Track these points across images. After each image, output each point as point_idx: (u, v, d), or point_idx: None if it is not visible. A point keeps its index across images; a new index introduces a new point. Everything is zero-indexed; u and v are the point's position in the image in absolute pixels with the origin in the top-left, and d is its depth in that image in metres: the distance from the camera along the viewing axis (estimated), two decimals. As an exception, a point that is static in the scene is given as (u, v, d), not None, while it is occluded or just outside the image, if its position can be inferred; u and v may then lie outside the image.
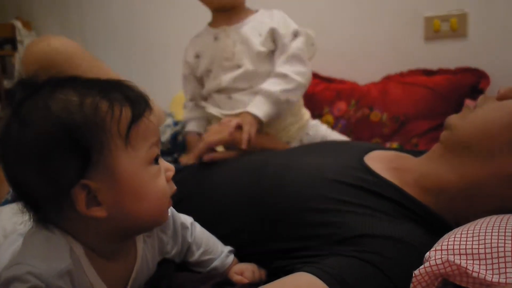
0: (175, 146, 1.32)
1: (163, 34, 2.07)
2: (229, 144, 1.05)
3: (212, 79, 1.20)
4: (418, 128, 1.52)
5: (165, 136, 1.32)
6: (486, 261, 0.56)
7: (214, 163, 0.99)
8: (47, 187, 0.53)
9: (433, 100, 1.53)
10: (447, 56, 1.63)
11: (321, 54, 1.53)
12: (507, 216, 0.64)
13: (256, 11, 1.22)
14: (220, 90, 1.19)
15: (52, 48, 1.04)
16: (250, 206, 0.81)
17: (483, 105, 0.77)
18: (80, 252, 0.57)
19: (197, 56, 1.23)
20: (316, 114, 1.61)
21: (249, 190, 0.84)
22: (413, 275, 0.60)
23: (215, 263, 0.77)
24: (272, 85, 1.11)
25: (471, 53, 1.61)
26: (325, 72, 1.75)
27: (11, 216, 0.82)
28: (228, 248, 0.79)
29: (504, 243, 0.57)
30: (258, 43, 1.14)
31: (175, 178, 0.63)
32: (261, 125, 1.11)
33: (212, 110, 1.21)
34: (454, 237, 0.61)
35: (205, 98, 1.26)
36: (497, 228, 0.60)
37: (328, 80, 1.75)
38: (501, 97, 0.76)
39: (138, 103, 0.57)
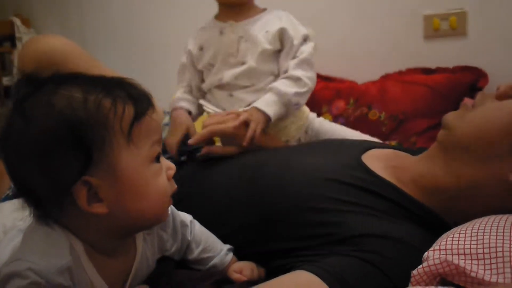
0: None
1: (163, 34, 2.06)
2: (229, 138, 1.03)
3: (214, 74, 1.19)
4: (417, 126, 1.51)
5: (164, 134, 1.31)
6: (484, 261, 0.56)
7: (211, 159, 0.98)
8: (49, 183, 0.53)
9: (432, 99, 1.52)
10: (446, 54, 1.63)
11: (320, 53, 1.51)
12: (505, 216, 0.64)
13: (264, 9, 1.20)
14: (221, 86, 1.18)
15: (50, 47, 1.03)
16: (249, 206, 0.81)
17: (481, 103, 0.76)
18: (79, 249, 0.57)
19: (201, 48, 1.21)
20: (315, 112, 1.60)
21: (248, 190, 0.83)
22: (412, 275, 0.60)
23: (214, 261, 0.77)
24: (286, 86, 1.09)
25: (470, 52, 1.60)
26: (324, 71, 1.74)
27: (11, 212, 0.82)
28: (227, 246, 0.80)
29: (503, 243, 0.57)
30: (265, 41, 1.13)
31: (175, 177, 0.63)
32: (268, 125, 1.08)
33: (210, 109, 1.20)
34: (453, 237, 0.61)
35: (203, 94, 1.25)
36: (495, 228, 0.61)
37: (327, 79, 1.74)
38: (500, 95, 0.74)
39: (141, 101, 0.57)
